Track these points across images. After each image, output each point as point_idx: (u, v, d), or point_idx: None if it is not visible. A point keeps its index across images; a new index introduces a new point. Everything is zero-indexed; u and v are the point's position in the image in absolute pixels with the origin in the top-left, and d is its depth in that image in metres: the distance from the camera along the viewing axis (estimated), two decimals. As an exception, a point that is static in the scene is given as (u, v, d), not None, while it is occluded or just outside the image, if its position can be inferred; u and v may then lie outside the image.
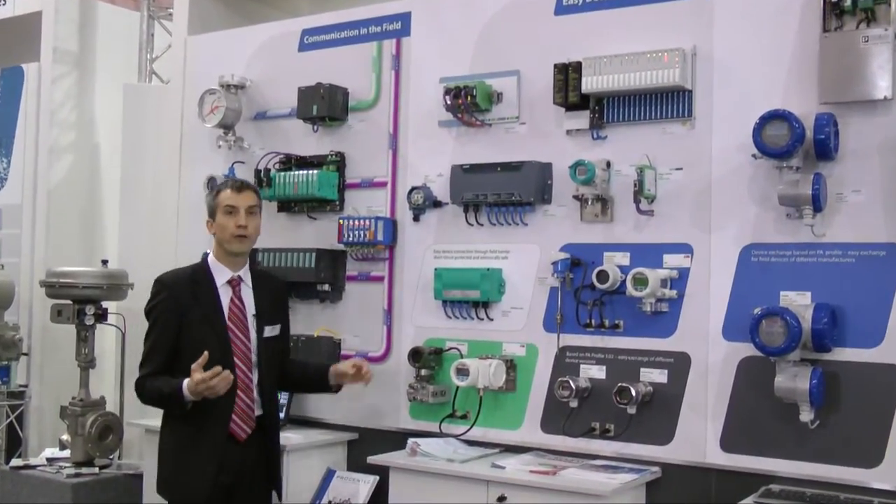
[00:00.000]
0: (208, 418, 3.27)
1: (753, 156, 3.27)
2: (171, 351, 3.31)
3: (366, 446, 4.06)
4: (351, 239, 4.09)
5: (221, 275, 3.41)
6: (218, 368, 3.12)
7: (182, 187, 4.85)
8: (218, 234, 3.42)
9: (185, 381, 3.17)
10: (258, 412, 3.41)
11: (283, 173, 4.29)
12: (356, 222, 4.09)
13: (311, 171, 4.21)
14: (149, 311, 3.39)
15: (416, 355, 3.91)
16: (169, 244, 4.86)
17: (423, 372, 3.92)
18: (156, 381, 3.27)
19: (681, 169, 3.49)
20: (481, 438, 3.82)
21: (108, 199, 5.82)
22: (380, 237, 4.05)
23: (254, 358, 3.39)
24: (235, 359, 3.33)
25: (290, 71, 4.46)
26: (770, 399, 3.19)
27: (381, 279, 4.17)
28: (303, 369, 3.72)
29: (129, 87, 5.49)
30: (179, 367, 3.26)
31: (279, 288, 3.64)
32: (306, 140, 4.40)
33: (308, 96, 4.25)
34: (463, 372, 3.67)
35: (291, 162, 4.36)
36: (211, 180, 4.50)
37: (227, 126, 4.55)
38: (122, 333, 5.04)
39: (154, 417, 3.58)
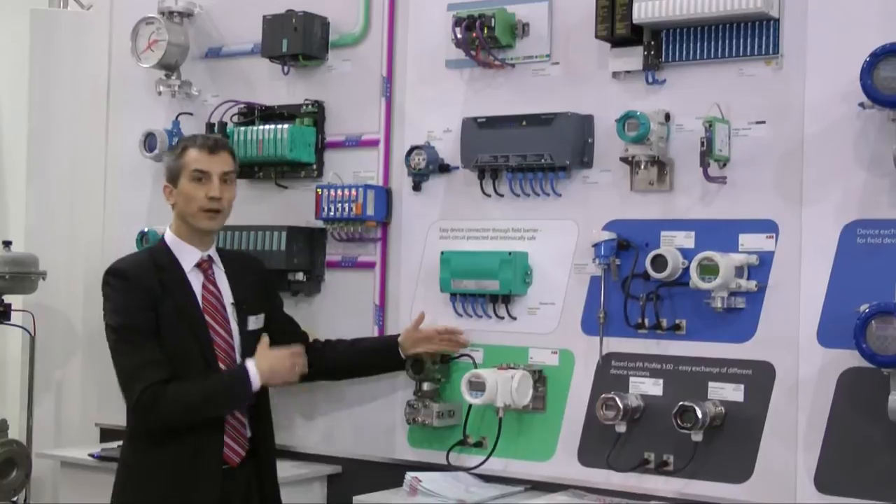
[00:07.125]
0: (197, 440, 3.31)
1: (861, 105, 3.25)
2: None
3: (351, 483, 4.09)
4: (332, 214, 4.10)
5: (188, 256, 3.46)
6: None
7: (110, 147, 4.85)
8: (181, 206, 3.45)
9: (254, 360, 3.33)
10: (248, 433, 3.49)
11: (243, 128, 4.29)
12: (339, 192, 4.09)
13: (280, 126, 4.22)
14: (116, 313, 3.35)
15: (416, 365, 3.92)
16: (93, 221, 4.86)
17: (426, 386, 3.94)
18: (185, 384, 3.27)
19: (763, 122, 3.49)
20: (501, 473, 3.84)
21: (10, 162, 5.81)
22: (370, 211, 4.07)
23: (238, 358, 3.45)
24: (218, 360, 3.38)
25: (253, -6, 4.47)
26: (881, 424, 3.19)
27: (371, 266, 4.19)
28: (353, 349, 3.90)
29: (37, 14, 5.46)
30: None
31: (259, 269, 3.75)
32: (274, 85, 4.42)
33: (276, 28, 4.25)
34: (477, 386, 3.66)
35: (255, 114, 4.37)
36: (149, 137, 4.51)
37: (169, 66, 4.55)
38: (31, 336, 5.03)
39: (76, 447, 3.56)
